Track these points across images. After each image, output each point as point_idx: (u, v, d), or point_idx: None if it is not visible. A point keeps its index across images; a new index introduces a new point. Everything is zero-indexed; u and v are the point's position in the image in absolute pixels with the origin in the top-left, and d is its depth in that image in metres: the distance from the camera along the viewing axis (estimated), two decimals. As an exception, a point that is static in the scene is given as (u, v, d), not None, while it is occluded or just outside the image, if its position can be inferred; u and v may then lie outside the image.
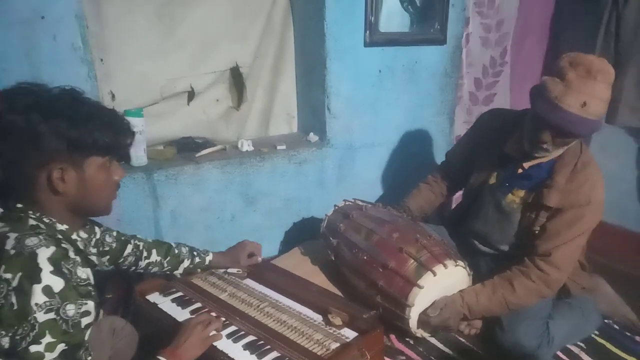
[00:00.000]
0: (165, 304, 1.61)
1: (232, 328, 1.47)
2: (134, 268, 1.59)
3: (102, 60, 2.04)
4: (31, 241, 0.99)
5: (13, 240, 0.99)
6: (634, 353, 1.82)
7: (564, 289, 1.82)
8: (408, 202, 2.09)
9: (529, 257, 1.70)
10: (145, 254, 1.58)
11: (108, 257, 1.47)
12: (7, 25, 1.65)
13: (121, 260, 1.53)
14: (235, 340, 1.41)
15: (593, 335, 1.92)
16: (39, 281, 0.95)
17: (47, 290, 0.95)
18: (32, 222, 1.05)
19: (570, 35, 2.80)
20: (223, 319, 1.48)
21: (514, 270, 1.71)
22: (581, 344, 1.87)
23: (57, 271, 0.98)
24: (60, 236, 1.06)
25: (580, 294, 1.87)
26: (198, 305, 1.59)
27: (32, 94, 1.03)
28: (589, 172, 1.65)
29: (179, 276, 1.72)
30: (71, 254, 1.04)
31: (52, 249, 0.99)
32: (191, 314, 1.54)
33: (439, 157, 2.71)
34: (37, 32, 1.70)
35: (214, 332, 1.36)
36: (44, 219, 1.07)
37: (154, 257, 1.61)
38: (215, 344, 1.37)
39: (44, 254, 0.98)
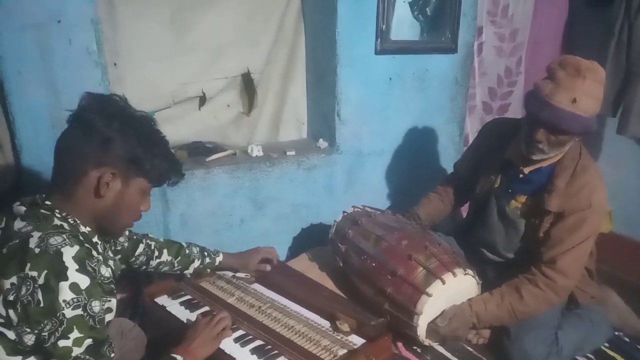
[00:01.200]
0: (173, 306, 1.61)
1: (240, 332, 1.47)
2: (144, 267, 1.61)
3: (115, 64, 2.06)
4: (55, 240, 1.01)
5: (37, 239, 1.01)
6: (645, 366, 1.81)
7: (572, 298, 1.81)
8: (418, 210, 2.09)
9: (535, 265, 1.70)
10: (156, 253, 1.60)
11: (120, 256, 1.49)
12: (23, 29, 1.68)
13: (132, 259, 1.55)
14: (243, 345, 1.42)
15: (603, 347, 1.89)
16: (65, 279, 0.97)
17: (74, 287, 0.98)
18: (56, 221, 1.07)
19: (582, 45, 2.79)
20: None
21: (521, 278, 1.70)
22: (591, 356, 1.85)
23: (83, 269, 1.00)
24: (82, 238, 1.08)
25: (590, 304, 1.85)
26: (206, 308, 1.60)
27: (120, 106, 1.15)
28: (588, 176, 1.66)
29: (189, 276, 1.73)
30: (94, 253, 1.07)
31: (77, 247, 1.02)
32: (199, 318, 1.55)
33: (449, 165, 2.70)
34: (52, 35, 1.72)
35: (224, 330, 1.37)
36: (69, 220, 1.10)
37: (165, 256, 1.62)
38: (223, 347, 1.38)
39: (69, 253, 1.00)
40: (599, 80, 1.55)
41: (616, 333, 1.96)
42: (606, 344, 1.91)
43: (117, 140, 1.09)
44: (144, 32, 2.11)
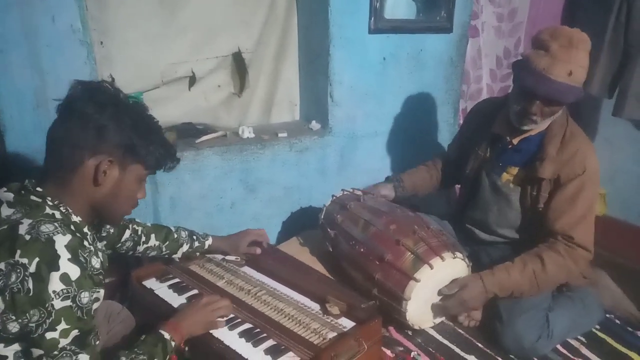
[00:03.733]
0: (161, 289, 1.60)
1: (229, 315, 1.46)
2: (131, 252, 1.59)
3: (102, 43, 2.02)
4: (47, 228, 0.99)
5: (27, 226, 0.99)
6: (636, 348, 1.80)
7: None
8: (403, 176, 2.11)
9: (552, 236, 1.70)
10: (143, 238, 1.58)
11: (105, 242, 1.46)
12: (6, 6, 1.63)
13: (119, 245, 1.53)
14: (231, 328, 1.41)
15: (594, 330, 1.89)
16: (57, 268, 0.96)
17: (65, 278, 0.96)
18: (48, 210, 1.05)
19: (580, 25, 2.72)
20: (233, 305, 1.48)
21: (541, 247, 1.70)
22: (582, 338, 1.84)
23: (75, 259, 0.99)
24: (73, 227, 1.07)
25: (581, 286, 1.85)
26: (195, 291, 1.58)
27: (111, 94, 1.13)
28: (578, 142, 1.69)
29: (177, 260, 1.71)
30: (86, 243, 1.06)
31: (69, 236, 1.00)
32: (187, 301, 1.53)
33: (443, 147, 2.68)
34: (36, 13, 1.67)
35: (219, 319, 1.38)
36: (61, 208, 1.08)
37: (153, 241, 1.60)
38: (211, 330, 1.37)
39: (62, 241, 0.99)
40: (588, 50, 1.59)
41: (607, 315, 1.96)
42: (597, 326, 1.91)
43: (111, 127, 1.08)
44: (133, 11, 2.06)
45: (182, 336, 1.26)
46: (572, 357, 1.75)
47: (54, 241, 0.97)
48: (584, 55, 1.57)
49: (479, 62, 2.73)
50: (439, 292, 1.66)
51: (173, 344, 1.22)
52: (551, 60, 1.54)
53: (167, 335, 1.22)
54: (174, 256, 1.69)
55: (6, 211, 1.04)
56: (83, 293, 0.99)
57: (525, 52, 1.65)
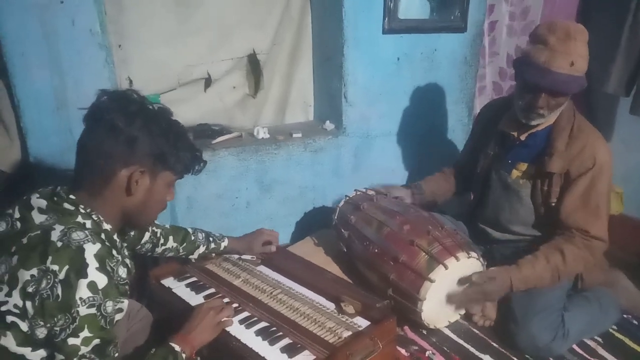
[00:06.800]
0: (179, 288, 1.62)
1: (245, 314, 1.48)
2: (150, 254, 1.61)
3: (120, 45, 2.05)
4: (78, 235, 1.01)
5: (59, 233, 1.01)
6: (653, 349, 1.79)
7: (579, 279, 1.83)
8: (422, 183, 2.11)
9: (567, 230, 1.71)
10: (162, 240, 1.59)
11: (126, 244, 1.48)
12: (26, 9, 1.66)
13: (139, 247, 1.55)
14: (248, 326, 1.42)
15: (611, 330, 1.88)
16: (85, 276, 0.98)
17: (92, 286, 0.98)
18: (80, 218, 1.07)
19: (596, 23, 2.71)
20: (235, 304, 1.49)
21: (558, 239, 1.71)
22: (598, 339, 1.83)
23: (102, 268, 1.01)
24: (103, 235, 1.09)
25: (598, 286, 1.84)
26: (212, 290, 1.61)
27: (138, 102, 1.14)
28: (586, 135, 1.69)
29: (193, 260, 1.73)
30: (114, 252, 1.07)
31: (98, 245, 1.02)
32: (205, 299, 1.56)
33: (457, 147, 2.68)
34: (55, 16, 1.71)
35: (225, 319, 1.38)
36: (93, 216, 1.10)
37: (171, 243, 1.62)
38: (227, 329, 1.39)
39: (91, 250, 1.00)
40: (586, 40, 1.59)
41: (625, 316, 1.94)
42: (614, 327, 1.89)
43: (142, 138, 1.10)
44: (149, 14, 2.09)
45: (192, 347, 1.26)
46: (588, 357, 1.75)
47: (84, 249, 0.99)
48: (582, 46, 1.58)
49: (483, 60, 2.72)
50: (469, 278, 1.64)
51: (184, 355, 1.22)
52: (551, 54, 1.56)
53: (177, 348, 1.22)
54: (190, 257, 1.71)
55: (38, 217, 1.06)
56: (108, 302, 1.01)
57: (525, 48, 1.67)
